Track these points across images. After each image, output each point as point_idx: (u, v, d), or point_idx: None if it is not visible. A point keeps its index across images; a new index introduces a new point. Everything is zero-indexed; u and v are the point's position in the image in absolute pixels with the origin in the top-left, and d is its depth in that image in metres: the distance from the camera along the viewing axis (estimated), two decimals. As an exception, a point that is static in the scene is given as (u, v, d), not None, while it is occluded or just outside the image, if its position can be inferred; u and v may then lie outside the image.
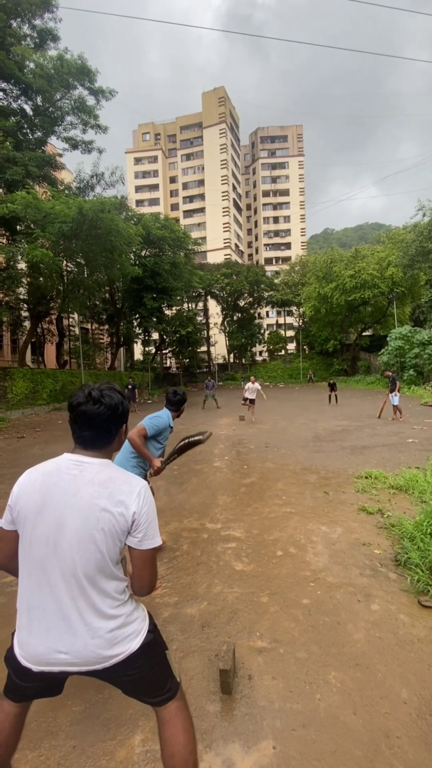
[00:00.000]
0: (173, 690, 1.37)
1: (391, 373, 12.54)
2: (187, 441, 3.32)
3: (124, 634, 1.24)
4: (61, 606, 1.18)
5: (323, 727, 1.75)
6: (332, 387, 17.60)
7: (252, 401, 12.55)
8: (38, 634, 1.18)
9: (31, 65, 19.25)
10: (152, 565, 1.29)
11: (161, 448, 3.35)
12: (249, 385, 12.63)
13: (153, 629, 1.37)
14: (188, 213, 66.35)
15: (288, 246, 70.50)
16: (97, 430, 1.30)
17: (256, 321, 46.48)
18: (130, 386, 18.38)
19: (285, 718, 1.81)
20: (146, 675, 1.30)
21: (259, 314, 48.45)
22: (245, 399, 12.61)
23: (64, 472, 1.25)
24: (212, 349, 47.13)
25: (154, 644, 1.34)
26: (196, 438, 3.32)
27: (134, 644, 1.26)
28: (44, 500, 1.20)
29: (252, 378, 13.28)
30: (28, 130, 21.05)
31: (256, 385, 12.71)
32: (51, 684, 1.30)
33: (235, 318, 44.85)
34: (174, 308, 37.71)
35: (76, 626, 1.18)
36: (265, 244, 72.21)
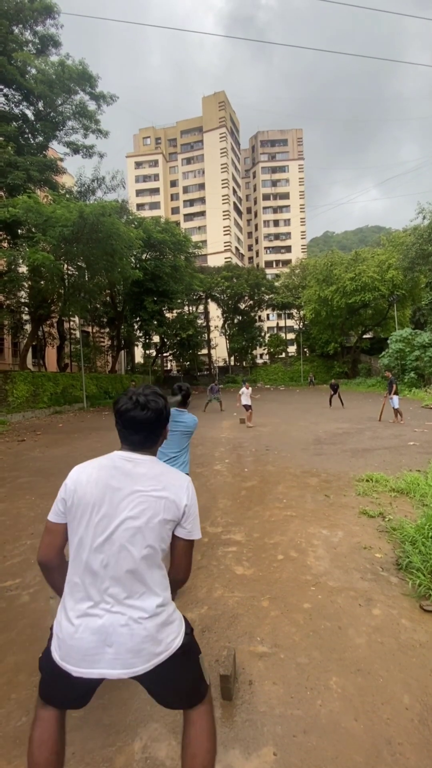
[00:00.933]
0: (204, 693, 1.40)
1: (390, 375, 12.51)
2: None
3: (166, 632, 1.27)
4: (111, 598, 1.22)
5: (324, 734, 1.74)
6: (334, 389, 17.08)
7: (249, 407, 12.61)
8: (85, 629, 1.20)
9: (33, 71, 19.42)
10: (191, 555, 1.42)
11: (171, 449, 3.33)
12: (244, 390, 12.73)
13: (190, 632, 1.41)
14: (189, 216, 66.56)
15: (288, 249, 70.68)
16: (146, 433, 1.38)
17: (257, 324, 46.48)
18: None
19: (286, 724, 1.80)
20: (182, 680, 1.32)
21: (259, 317, 48.46)
22: (245, 406, 12.65)
23: (118, 466, 1.32)
24: (213, 351, 47.17)
25: (191, 647, 1.38)
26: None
27: (175, 644, 1.29)
28: (102, 492, 1.27)
29: (247, 384, 13.37)
30: (30, 135, 21.20)
31: (250, 389, 12.87)
32: (82, 693, 1.32)
33: (235, 321, 44.88)
34: (175, 311, 37.78)
35: (124, 620, 1.21)
36: (265, 247, 72.40)
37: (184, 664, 1.32)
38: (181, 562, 1.39)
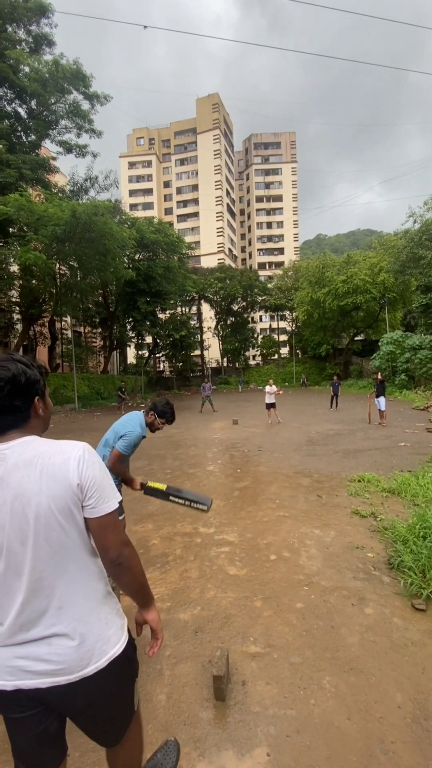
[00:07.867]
0: (127, 728, 1.23)
1: (380, 376, 12.51)
2: (191, 502, 2.75)
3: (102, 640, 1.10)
4: (14, 610, 1.01)
5: (318, 733, 1.73)
6: (335, 388, 16.14)
7: (272, 405, 13.09)
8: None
9: (26, 69, 19.32)
10: (114, 529, 1.09)
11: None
12: (268, 388, 13.25)
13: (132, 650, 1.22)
14: (182, 217, 66.57)
15: (281, 251, 71.00)
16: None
17: (250, 325, 46.58)
18: (122, 389, 18.29)
19: (279, 724, 1.79)
20: (111, 704, 1.14)
21: (252, 318, 48.58)
22: (268, 405, 13.12)
23: None
24: (206, 353, 47.13)
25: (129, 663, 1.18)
26: (200, 506, 2.72)
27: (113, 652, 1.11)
28: None
29: (270, 381, 13.98)
30: (22, 133, 21.07)
31: (274, 387, 13.35)
32: (39, 718, 1.06)
33: (228, 322, 44.94)
34: (168, 312, 37.70)
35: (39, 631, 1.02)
36: (258, 249, 72.64)
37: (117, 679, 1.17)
38: (102, 543, 1.11)
